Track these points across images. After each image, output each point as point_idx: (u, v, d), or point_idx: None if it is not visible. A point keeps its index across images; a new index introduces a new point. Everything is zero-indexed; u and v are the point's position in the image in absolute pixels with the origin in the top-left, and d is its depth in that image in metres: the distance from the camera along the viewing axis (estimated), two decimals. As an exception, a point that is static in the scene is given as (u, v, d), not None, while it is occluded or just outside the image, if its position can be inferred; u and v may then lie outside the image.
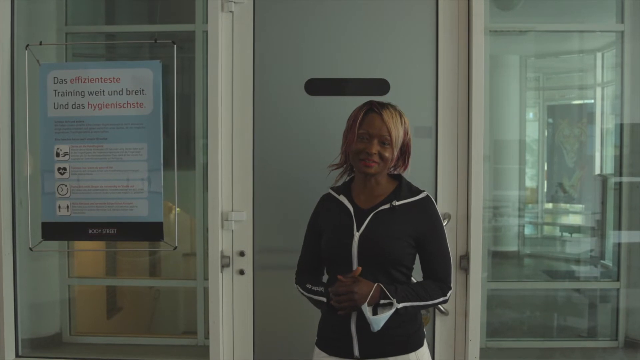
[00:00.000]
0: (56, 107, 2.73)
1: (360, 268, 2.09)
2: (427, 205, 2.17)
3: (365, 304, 2.01)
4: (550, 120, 4.65)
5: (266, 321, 2.79)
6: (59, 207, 2.74)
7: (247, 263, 2.75)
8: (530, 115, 4.77)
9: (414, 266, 2.21)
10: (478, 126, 2.67)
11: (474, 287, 2.69)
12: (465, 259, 2.71)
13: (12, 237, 2.78)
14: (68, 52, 3.34)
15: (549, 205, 4.47)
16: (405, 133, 2.19)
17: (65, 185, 2.73)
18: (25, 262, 2.97)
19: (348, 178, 2.32)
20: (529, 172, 4.54)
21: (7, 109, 2.77)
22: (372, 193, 2.20)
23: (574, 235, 3.89)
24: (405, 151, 2.23)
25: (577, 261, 3.65)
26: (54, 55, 3.21)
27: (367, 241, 2.11)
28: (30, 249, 2.76)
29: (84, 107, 2.73)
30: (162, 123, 2.67)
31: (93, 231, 2.73)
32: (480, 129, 2.67)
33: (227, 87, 2.73)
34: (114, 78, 2.72)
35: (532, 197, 4.48)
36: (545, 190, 4.47)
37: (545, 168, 4.49)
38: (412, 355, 2.14)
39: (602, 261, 3.49)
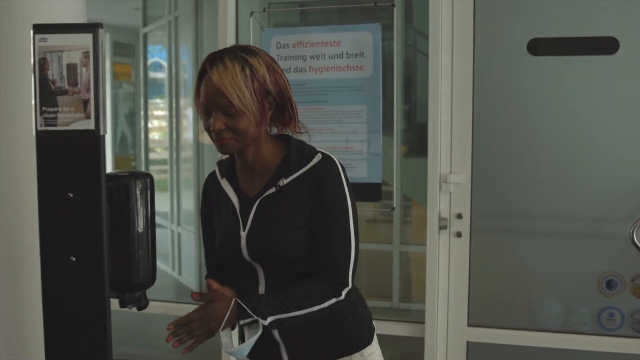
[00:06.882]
0: (279, 71, 2.84)
1: (213, 284, 1.60)
2: (323, 171, 1.58)
3: (220, 330, 1.52)
4: None
5: (482, 284, 2.77)
6: (281, 167, 2.85)
7: (464, 225, 2.73)
8: None
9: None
10: None
11: None
12: None
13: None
14: (270, 21, 3.45)
15: None
16: (263, 85, 1.55)
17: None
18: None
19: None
20: None
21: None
22: (256, 172, 1.65)
23: None
24: (283, 103, 1.61)
25: None
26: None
27: (255, 242, 1.60)
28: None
29: (305, 71, 2.82)
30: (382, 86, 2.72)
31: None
32: None
33: (447, 46, 2.70)
34: (334, 42, 2.78)
35: None
36: None
37: None
38: (355, 356, 1.69)
39: None
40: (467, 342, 2.77)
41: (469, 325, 2.77)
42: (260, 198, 1.60)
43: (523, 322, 2.74)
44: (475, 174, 2.73)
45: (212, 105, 1.53)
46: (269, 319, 1.51)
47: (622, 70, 2.60)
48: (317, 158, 1.59)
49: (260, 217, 1.60)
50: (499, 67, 2.72)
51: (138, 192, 1.41)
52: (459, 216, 2.73)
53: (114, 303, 1.42)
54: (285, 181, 1.58)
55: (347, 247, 1.59)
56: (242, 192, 1.65)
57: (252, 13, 2.88)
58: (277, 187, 1.58)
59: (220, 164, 1.72)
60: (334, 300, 1.58)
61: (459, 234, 2.74)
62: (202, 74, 1.56)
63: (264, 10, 2.91)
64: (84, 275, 1.34)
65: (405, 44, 3.06)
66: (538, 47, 2.67)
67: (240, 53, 1.55)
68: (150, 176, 1.46)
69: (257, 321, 1.50)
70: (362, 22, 2.83)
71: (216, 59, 1.54)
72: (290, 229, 1.58)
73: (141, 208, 1.41)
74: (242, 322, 1.51)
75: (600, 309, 2.67)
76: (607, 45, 2.63)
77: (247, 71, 1.52)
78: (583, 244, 2.68)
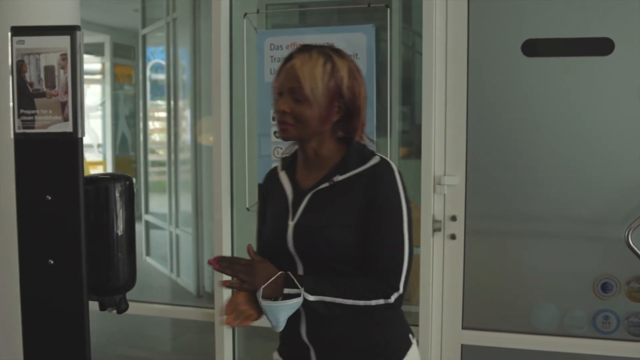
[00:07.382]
0: (272, 72, 2.83)
1: (251, 247, 1.68)
2: (380, 172, 1.59)
3: (260, 291, 1.54)
4: None
5: (476, 287, 2.76)
6: (275, 169, 2.84)
7: (458, 228, 2.72)
8: None
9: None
10: None
11: None
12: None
13: (230, 198, 2.93)
14: (268, 23, 3.43)
15: None
16: (339, 86, 1.59)
17: (281, 148, 2.83)
18: (242, 223, 3.10)
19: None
20: None
21: (226, 75, 2.90)
22: (314, 167, 1.67)
23: None
24: (353, 112, 1.64)
25: None
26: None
27: (301, 232, 1.62)
28: (247, 209, 2.91)
29: (299, 72, 2.80)
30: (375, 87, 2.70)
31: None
32: None
33: (441, 47, 2.69)
34: (327, 43, 2.75)
35: None
36: None
37: None
38: None
39: None
40: (462, 345, 2.76)
41: (463, 328, 2.76)
42: (314, 191, 1.62)
43: (518, 324, 2.73)
44: (469, 176, 2.72)
45: (285, 87, 1.59)
46: (313, 297, 1.53)
47: (618, 71, 2.59)
48: (375, 160, 1.61)
49: (310, 209, 1.62)
50: (494, 68, 2.70)
51: (117, 195, 1.40)
52: (453, 218, 2.72)
53: (94, 306, 1.41)
54: (340, 178, 1.60)
55: (399, 251, 1.57)
56: (297, 185, 1.68)
57: (245, 14, 2.87)
58: (331, 182, 1.60)
59: (283, 159, 1.77)
60: (381, 301, 1.55)
61: (453, 236, 2.72)
62: (288, 59, 1.63)
63: (258, 12, 2.91)
64: (62, 278, 1.34)
65: (400, 45, 3.04)
66: (533, 48, 2.66)
67: (329, 51, 1.62)
68: (130, 179, 1.46)
69: (299, 294, 1.52)
70: (356, 24, 2.82)
71: (305, 48, 1.63)
72: (338, 225, 1.58)
73: (121, 210, 1.41)
74: (286, 291, 1.54)
75: (595, 312, 2.65)
76: (602, 46, 2.61)
77: (329, 67, 1.58)
78: (578, 246, 2.66)
